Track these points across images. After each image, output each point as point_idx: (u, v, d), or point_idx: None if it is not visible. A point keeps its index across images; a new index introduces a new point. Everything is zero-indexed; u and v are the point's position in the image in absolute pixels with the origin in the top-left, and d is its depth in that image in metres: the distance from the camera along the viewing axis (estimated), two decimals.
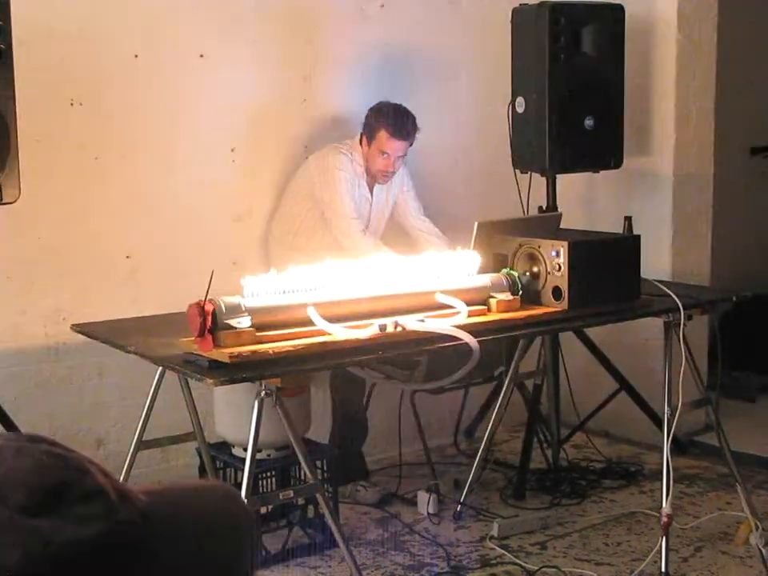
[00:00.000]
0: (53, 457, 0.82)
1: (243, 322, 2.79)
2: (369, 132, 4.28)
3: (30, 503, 0.78)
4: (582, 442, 4.88)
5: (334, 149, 4.31)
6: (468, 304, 3.15)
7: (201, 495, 0.95)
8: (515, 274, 3.35)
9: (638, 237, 3.58)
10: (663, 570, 3.55)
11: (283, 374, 2.82)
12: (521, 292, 3.32)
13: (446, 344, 3.04)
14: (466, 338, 3.00)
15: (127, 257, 4.21)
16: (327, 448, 4.08)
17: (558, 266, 3.31)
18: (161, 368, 3.29)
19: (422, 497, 4.24)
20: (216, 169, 4.40)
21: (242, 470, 3.11)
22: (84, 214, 4.11)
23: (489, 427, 4.31)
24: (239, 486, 3.22)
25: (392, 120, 4.23)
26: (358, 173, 4.31)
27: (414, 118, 4.27)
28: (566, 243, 3.31)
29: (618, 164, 4.61)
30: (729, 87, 5.67)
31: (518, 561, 3.77)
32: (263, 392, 2.94)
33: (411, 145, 4.31)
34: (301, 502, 3.81)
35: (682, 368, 3.54)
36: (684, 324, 3.54)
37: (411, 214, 4.50)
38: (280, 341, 2.84)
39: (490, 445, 4.43)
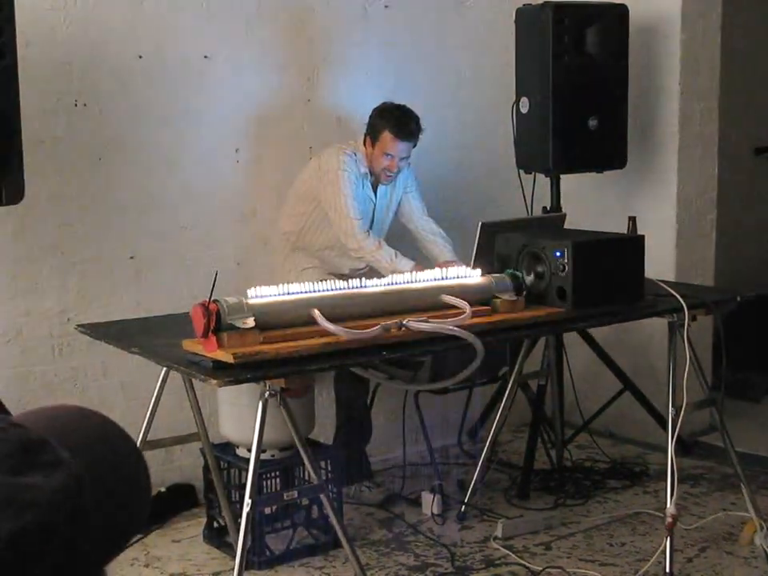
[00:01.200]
0: None
1: (247, 323, 2.79)
2: (372, 133, 4.27)
3: (15, 464, 0.80)
4: (586, 442, 4.88)
5: (338, 149, 4.30)
6: (472, 304, 3.15)
7: (78, 420, 0.97)
8: (519, 274, 3.34)
9: (642, 237, 3.57)
10: (668, 570, 3.55)
11: (287, 374, 2.82)
12: (525, 292, 3.31)
13: (450, 344, 3.04)
14: (470, 338, 3.00)
15: (131, 257, 4.21)
16: (331, 448, 4.08)
17: (561, 267, 3.31)
18: (165, 368, 3.29)
19: (426, 497, 4.24)
20: (220, 169, 4.40)
21: (246, 471, 3.11)
22: (88, 215, 4.11)
23: (493, 428, 4.31)
24: (243, 486, 3.23)
25: (396, 121, 4.22)
26: (362, 173, 4.30)
27: (417, 119, 4.26)
28: (569, 243, 3.31)
29: (621, 164, 4.61)
30: (733, 87, 5.68)
31: (522, 561, 3.77)
32: (267, 392, 2.94)
33: (415, 146, 4.30)
34: (305, 502, 3.81)
35: (687, 368, 3.53)
36: (688, 324, 3.53)
37: (415, 215, 4.49)
38: (284, 341, 2.85)
39: (494, 445, 4.43)
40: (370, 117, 4.30)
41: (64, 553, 0.80)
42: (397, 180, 4.41)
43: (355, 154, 4.29)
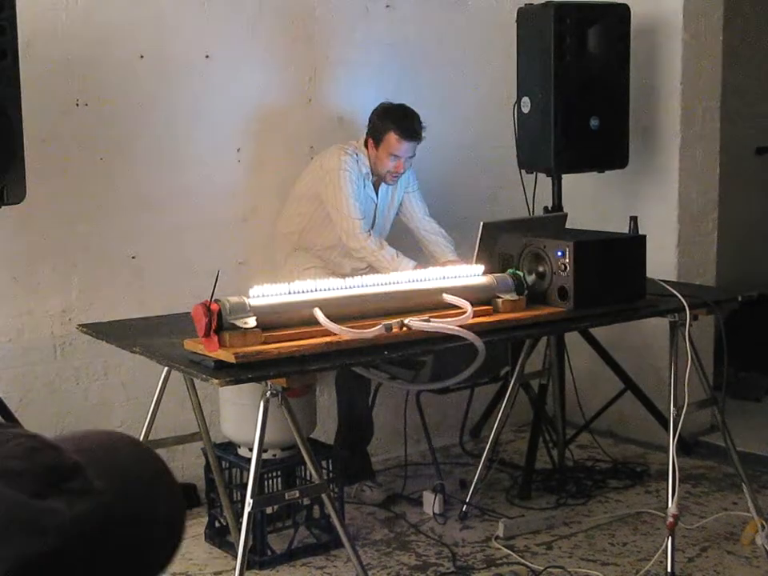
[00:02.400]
0: (27, 438, 0.83)
1: (249, 322, 2.79)
2: (375, 135, 4.25)
3: (39, 487, 0.78)
4: (588, 442, 4.88)
5: (339, 149, 4.30)
6: (473, 304, 3.15)
7: (119, 449, 0.93)
8: (520, 274, 3.35)
9: (644, 237, 3.57)
10: (669, 570, 3.55)
11: (288, 374, 2.82)
12: (526, 292, 3.31)
13: (452, 344, 3.04)
14: (472, 338, 3.00)
15: (133, 257, 4.21)
16: (333, 448, 4.08)
17: (563, 266, 3.31)
18: (166, 368, 3.29)
19: (428, 497, 4.24)
20: (222, 169, 4.40)
21: (248, 470, 3.11)
22: (89, 215, 4.11)
23: (494, 427, 4.31)
24: (245, 486, 3.23)
25: (399, 122, 4.20)
26: (363, 173, 4.30)
27: (419, 117, 4.25)
28: (571, 243, 3.31)
29: (623, 164, 4.61)
30: (734, 87, 5.67)
31: (523, 561, 3.77)
32: (269, 392, 2.94)
33: (419, 143, 4.30)
34: (306, 502, 3.81)
35: (688, 368, 3.54)
36: (690, 324, 3.53)
37: (416, 215, 4.49)
38: (285, 341, 2.85)
39: (496, 445, 4.43)
40: (371, 119, 4.28)
41: None
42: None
43: (357, 154, 4.28)
